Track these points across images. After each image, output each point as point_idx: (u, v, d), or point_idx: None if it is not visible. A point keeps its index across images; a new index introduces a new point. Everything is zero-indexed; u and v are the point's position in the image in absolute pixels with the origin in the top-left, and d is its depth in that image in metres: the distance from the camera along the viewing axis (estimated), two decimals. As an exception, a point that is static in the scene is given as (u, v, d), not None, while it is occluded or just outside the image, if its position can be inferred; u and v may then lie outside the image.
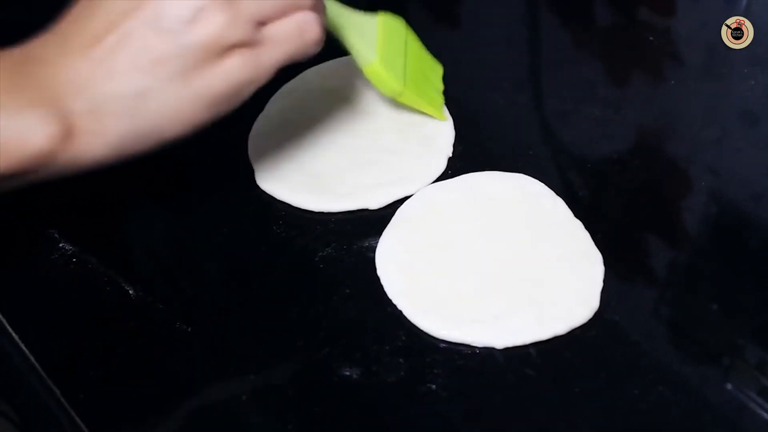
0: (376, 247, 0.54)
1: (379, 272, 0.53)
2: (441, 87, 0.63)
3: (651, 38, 0.68)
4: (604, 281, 0.52)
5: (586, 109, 0.63)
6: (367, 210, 0.57)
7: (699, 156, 0.60)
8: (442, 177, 0.58)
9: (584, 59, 0.69)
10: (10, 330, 0.51)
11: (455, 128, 0.61)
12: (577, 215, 0.55)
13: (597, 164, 0.60)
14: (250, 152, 0.60)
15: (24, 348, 0.50)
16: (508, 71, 0.68)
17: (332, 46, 0.65)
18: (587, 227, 0.54)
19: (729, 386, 0.49)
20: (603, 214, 0.57)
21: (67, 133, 0.42)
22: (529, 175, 0.58)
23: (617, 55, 0.68)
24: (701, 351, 0.50)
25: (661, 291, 0.53)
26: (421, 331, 0.50)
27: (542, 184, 0.57)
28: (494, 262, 0.53)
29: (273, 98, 0.63)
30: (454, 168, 0.59)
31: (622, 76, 0.66)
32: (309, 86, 0.64)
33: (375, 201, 0.57)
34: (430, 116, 0.61)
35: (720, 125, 0.62)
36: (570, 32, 0.71)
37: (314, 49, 0.49)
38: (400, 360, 0.49)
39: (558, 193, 0.57)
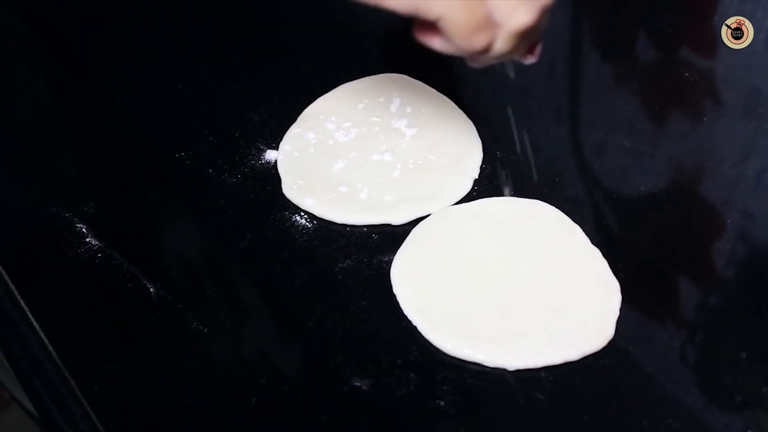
0: (395, 262, 0.55)
1: (395, 288, 0.53)
2: None
3: (691, 77, 0.68)
4: (623, 311, 0.52)
5: (620, 140, 0.63)
6: (390, 225, 0.57)
7: (733, 197, 0.60)
8: (467, 197, 0.58)
9: (623, 94, 0.68)
10: (32, 318, 0.52)
11: (488, 149, 0.61)
12: (602, 245, 0.55)
13: (626, 195, 0.60)
14: (279, 162, 0.61)
15: (44, 337, 0.51)
16: (548, 101, 0.68)
17: (363, 65, 0.66)
18: (612, 257, 0.54)
19: (740, 422, 0.48)
20: (629, 245, 0.57)
21: None
22: (554, 201, 0.58)
23: (656, 91, 0.67)
24: (715, 388, 0.50)
25: (679, 327, 0.53)
26: (434, 347, 0.50)
27: (559, 210, 0.57)
28: (508, 285, 0.53)
29: (305, 111, 0.64)
30: (480, 189, 0.59)
31: (660, 112, 0.66)
32: (341, 101, 0.64)
33: (398, 217, 0.57)
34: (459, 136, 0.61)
35: (756, 167, 0.61)
36: (611, 67, 0.71)
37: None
38: (411, 374, 0.49)
39: (583, 221, 0.56)
